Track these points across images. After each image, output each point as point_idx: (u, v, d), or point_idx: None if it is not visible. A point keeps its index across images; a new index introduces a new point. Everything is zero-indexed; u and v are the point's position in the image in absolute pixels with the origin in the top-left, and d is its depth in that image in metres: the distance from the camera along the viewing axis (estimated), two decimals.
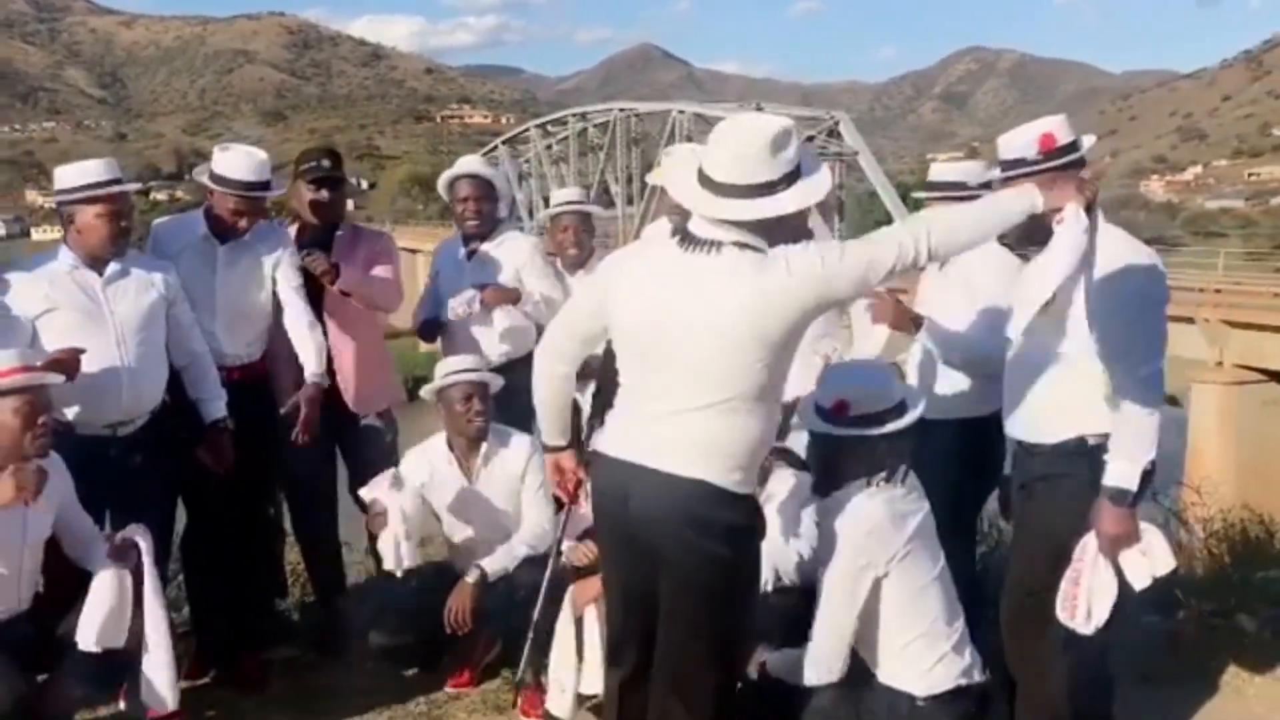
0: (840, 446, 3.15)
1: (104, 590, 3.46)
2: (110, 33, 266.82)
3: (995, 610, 3.49)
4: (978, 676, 3.19)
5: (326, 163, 4.48)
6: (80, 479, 3.59)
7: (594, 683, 3.66)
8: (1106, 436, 3.08)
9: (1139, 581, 3.12)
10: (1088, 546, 3.11)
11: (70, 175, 3.75)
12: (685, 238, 2.80)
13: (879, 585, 3.08)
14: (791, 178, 2.72)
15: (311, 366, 4.18)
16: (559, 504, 3.75)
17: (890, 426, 3.14)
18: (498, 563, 4.01)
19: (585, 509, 3.40)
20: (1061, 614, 3.13)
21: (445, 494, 4.18)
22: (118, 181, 3.79)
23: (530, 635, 3.75)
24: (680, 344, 2.75)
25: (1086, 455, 3.15)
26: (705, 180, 2.76)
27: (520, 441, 4.21)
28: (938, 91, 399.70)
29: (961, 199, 3.85)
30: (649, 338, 2.80)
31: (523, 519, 4.14)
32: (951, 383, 3.88)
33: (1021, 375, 3.29)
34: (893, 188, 41.19)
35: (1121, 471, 3.04)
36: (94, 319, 3.73)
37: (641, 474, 2.83)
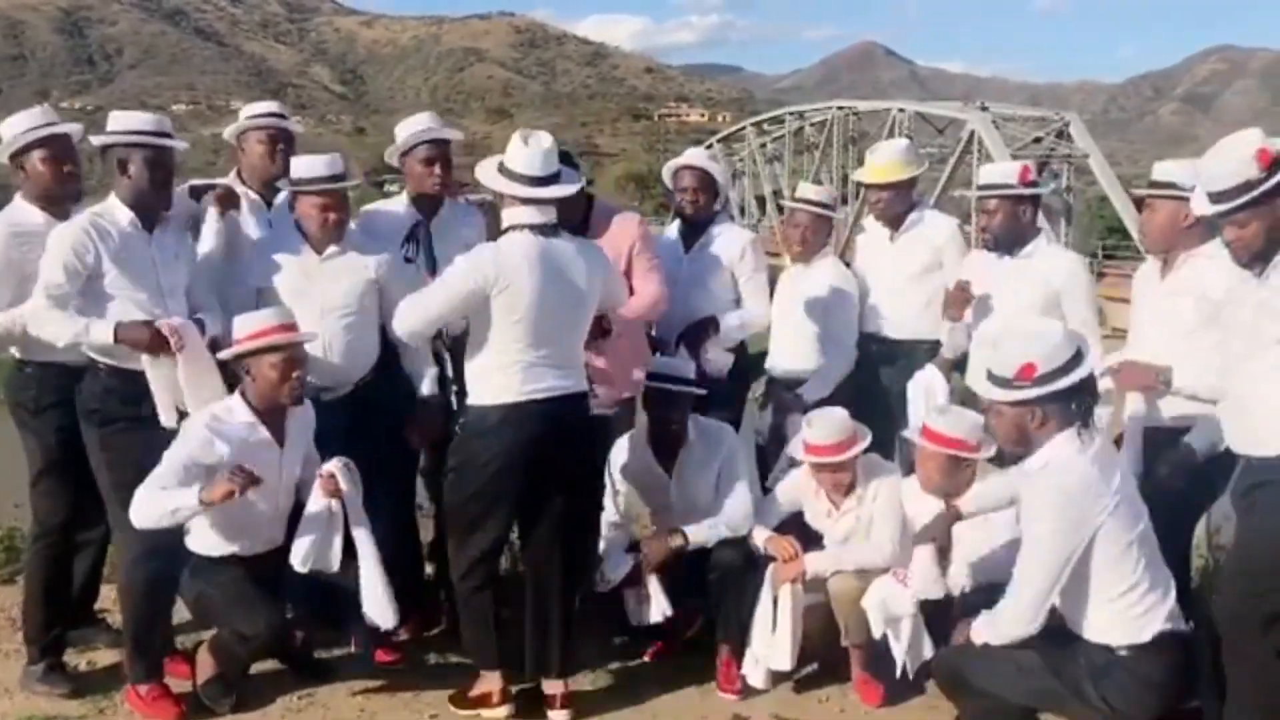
0: (1035, 409, 3.13)
1: (313, 518, 3.80)
2: (353, 32, 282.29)
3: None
4: (1183, 626, 3.16)
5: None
6: None
7: (784, 659, 3.90)
8: None
9: None
10: None
11: (296, 168, 4.11)
12: (545, 228, 3.70)
13: (1093, 540, 3.07)
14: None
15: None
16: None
17: (1077, 374, 3.12)
18: (700, 534, 4.15)
19: None
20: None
21: (641, 483, 4.45)
22: (336, 178, 4.09)
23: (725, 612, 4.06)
24: (573, 308, 3.77)
25: None
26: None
27: (721, 432, 4.35)
28: (1179, 92, 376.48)
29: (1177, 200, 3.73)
30: (550, 307, 3.67)
31: (725, 504, 4.22)
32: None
33: (1244, 386, 3.19)
34: (1124, 192, 39.17)
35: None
36: (303, 296, 4.04)
37: (570, 399, 3.76)
